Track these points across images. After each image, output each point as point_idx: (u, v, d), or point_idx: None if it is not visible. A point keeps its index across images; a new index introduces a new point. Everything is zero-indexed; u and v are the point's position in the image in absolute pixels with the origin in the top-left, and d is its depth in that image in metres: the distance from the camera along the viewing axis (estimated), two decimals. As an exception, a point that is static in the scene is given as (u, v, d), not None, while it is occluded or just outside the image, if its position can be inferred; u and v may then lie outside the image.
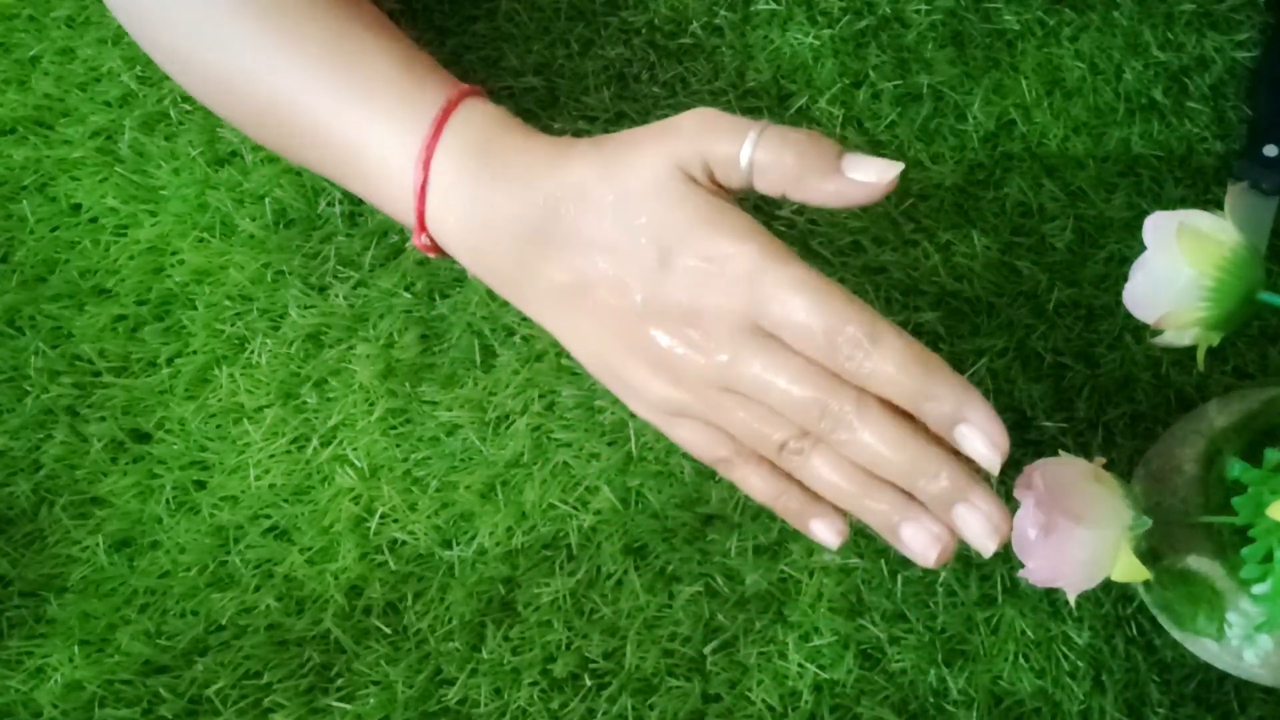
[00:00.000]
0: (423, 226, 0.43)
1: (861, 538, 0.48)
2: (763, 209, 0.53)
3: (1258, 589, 0.39)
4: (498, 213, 0.42)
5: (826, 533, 0.40)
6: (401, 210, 0.44)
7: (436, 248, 0.44)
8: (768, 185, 0.39)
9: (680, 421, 0.41)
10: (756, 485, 0.41)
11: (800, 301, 0.37)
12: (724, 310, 0.38)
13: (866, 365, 0.37)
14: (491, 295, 0.51)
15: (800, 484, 0.40)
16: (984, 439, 0.37)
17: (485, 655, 0.47)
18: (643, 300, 0.39)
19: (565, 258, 0.41)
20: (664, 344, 0.39)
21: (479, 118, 0.43)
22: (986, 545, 0.38)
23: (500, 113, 0.44)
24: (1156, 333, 0.47)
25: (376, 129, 0.43)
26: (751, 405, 0.39)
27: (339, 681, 0.46)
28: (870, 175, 0.39)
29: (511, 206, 0.42)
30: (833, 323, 0.37)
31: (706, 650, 0.47)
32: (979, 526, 0.37)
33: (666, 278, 0.39)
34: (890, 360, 0.37)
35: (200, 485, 0.49)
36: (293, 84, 0.44)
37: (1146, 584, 0.44)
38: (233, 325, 0.51)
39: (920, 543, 0.38)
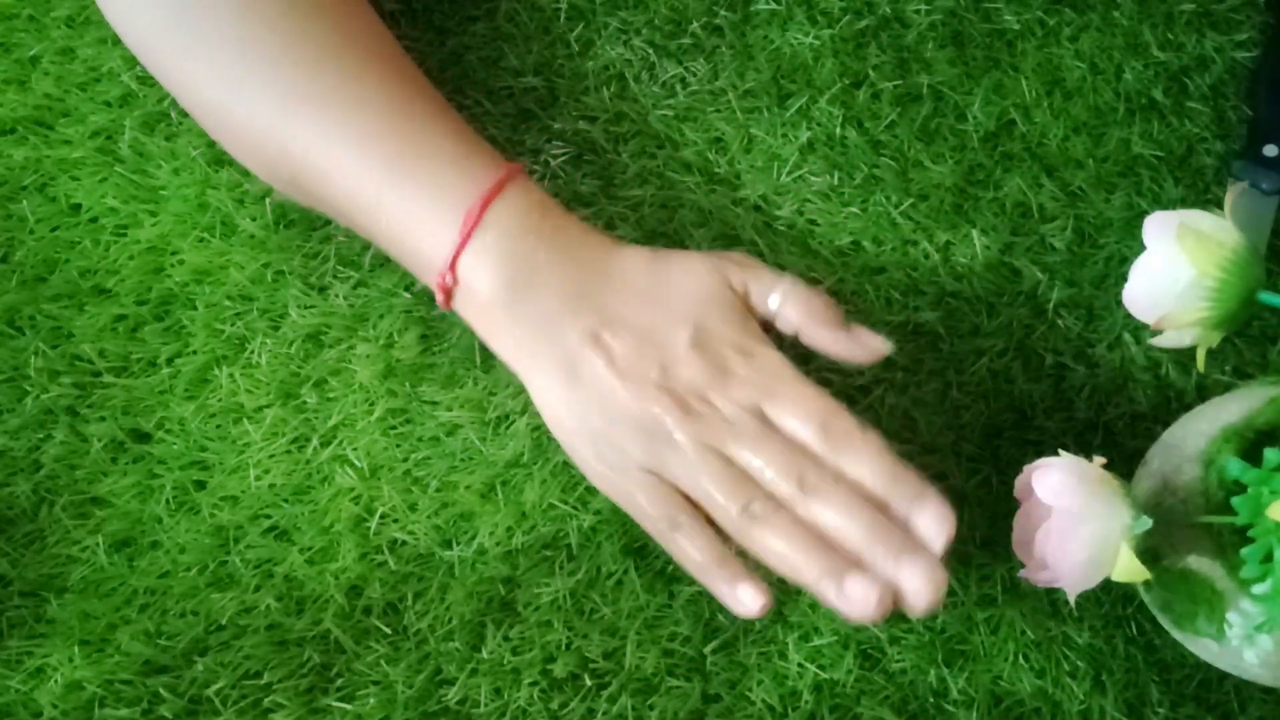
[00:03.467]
0: (453, 266, 0.45)
1: (861, 538, 0.48)
2: (762, 209, 0.53)
3: (1258, 589, 0.39)
4: (539, 272, 0.45)
5: (753, 599, 0.43)
6: (427, 246, 0.45)
7: (449, 292, 0.46)
8: (791, 312, 0.46)
9: (643, 482, 0.44)
10: (701, 544, 0.43)
11: (811, 391, 0.44)
12: (742, 390, 0.44)
13: (852, 445, 0.43)
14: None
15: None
16: (937, 515, 0.42)
17: (485, 655, 0.47)
18: (662, 374, 0.44)
19: (594, 327, 0.44)
20: (671, 407, 0.43)
21: (533, 192, 0.47)
22: (922, 595, 0.41)
23: (547, 196, 0.47)
24: (1156, 333, 0.47)
25: (424, 194, 0.45)
26: (732, 468, 0.43)
27: (339, 681, 0.46)
28: (869, 341, 0.46)
29: (556, 268, 0.45)
30: (829, 417, 0.43)
31: (706, 650, 0.47)
32: (921, 577, 0.41)
33: (696, 357, 0.44)
34: (873, 444, 0.43)
35: (200, 485, 0.49)
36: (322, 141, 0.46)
37: (1146, 584, 0.44)
38: (233, 325, 0.51)
39: (860, 591, 0.41)
